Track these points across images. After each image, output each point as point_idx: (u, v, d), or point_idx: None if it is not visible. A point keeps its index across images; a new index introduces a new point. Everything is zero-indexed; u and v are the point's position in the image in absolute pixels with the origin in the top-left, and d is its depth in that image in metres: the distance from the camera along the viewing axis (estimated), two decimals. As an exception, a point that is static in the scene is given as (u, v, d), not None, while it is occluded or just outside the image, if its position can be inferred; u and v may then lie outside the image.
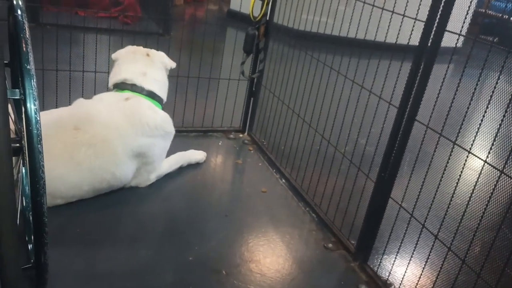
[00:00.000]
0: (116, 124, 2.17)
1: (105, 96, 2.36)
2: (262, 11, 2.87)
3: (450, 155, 1.70)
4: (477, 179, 1.62)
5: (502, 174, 1.54)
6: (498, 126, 1.56)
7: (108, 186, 2.23)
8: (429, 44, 1.75)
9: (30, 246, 1.64)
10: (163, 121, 2.38)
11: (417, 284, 1.99)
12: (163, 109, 2.50)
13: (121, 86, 2.38)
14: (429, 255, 1.84)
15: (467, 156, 1.68)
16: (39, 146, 1.24)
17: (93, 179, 2.13)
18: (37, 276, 1.47)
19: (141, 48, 2.58)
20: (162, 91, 2.51)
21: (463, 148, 1.68)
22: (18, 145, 1.32)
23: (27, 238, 1.67)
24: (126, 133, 2.19)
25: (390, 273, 2.05)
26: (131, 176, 2.32)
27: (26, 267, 1.50)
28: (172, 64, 2.65)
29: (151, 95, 2.41)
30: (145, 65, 2.48)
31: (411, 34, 1.83)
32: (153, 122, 2.30)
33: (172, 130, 2.47)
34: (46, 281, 1.48)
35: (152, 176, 2.44)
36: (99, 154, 2.10)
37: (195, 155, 2.76)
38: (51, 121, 2.09)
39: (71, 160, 2.05)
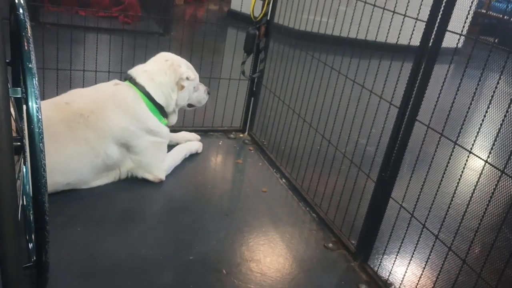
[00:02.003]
0: (101, 101, 2.32)
1: (99, 83, 2.54)
2: (263, 11, 2.87)
3: (451, 155, 1.71)
4: (478, 179, 1.62)
5: (503, 174, 1.54)
6: (499, 126, 1.56)
7: (103, 163, 2.29)
8: (430, 45, 1.75)
9: (31, 245, 1.64)
10: (144, 116, 2.39)
11: (417, 284, 2.00)
12: (166, 117, 2.53)
13: (126, 76, 2.53)
14: (430, 255, 1.84)
15: (468, 156, 1.68)
16: (40, 144, 1.24)
17: (89, 151, 2.23)
18: (38, 275, 1.47)
19: (171, 55, 2.61)
20: (156, 91, 2.45)
21: (464, 148, 1.68)
22: (19, 143, 1.32)
23: (27, 237, 1.67)
24: (109, 109, 2.30)
25: (390, 273, 2.05)
26: (117, 159, 2.35)
27: (27, 266, 1.50)
28: (189, 75, 2.54)
29: (142, 89, 2.44)
30: (154, 66, 2.53)
31: (412, 34, 1.83)
32: (132, 110, 2.36)
33: (159, 129, 2.45)
34: (47, 279, 1.48)
35: (156, 171, 2.48)
36: (89, 124, 2.22)
37: (193, 144, 2.90)
38: (46, 103, 2.27)
39: (68, 128, 2.18)
